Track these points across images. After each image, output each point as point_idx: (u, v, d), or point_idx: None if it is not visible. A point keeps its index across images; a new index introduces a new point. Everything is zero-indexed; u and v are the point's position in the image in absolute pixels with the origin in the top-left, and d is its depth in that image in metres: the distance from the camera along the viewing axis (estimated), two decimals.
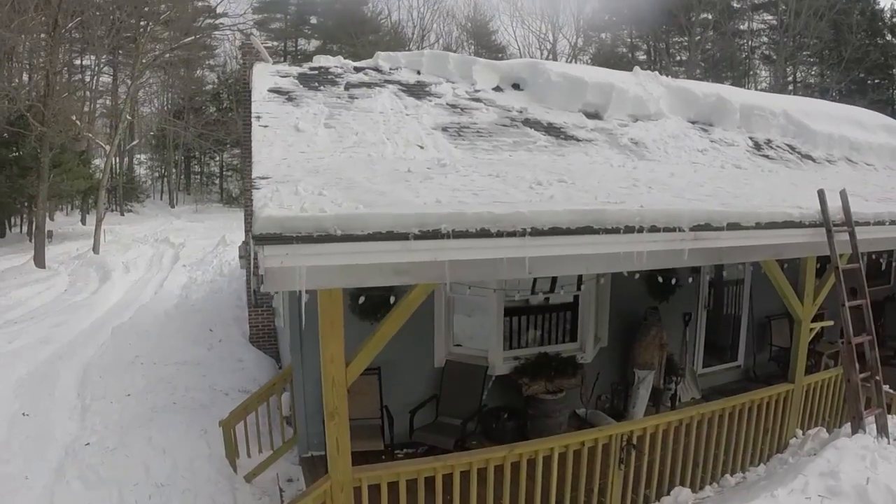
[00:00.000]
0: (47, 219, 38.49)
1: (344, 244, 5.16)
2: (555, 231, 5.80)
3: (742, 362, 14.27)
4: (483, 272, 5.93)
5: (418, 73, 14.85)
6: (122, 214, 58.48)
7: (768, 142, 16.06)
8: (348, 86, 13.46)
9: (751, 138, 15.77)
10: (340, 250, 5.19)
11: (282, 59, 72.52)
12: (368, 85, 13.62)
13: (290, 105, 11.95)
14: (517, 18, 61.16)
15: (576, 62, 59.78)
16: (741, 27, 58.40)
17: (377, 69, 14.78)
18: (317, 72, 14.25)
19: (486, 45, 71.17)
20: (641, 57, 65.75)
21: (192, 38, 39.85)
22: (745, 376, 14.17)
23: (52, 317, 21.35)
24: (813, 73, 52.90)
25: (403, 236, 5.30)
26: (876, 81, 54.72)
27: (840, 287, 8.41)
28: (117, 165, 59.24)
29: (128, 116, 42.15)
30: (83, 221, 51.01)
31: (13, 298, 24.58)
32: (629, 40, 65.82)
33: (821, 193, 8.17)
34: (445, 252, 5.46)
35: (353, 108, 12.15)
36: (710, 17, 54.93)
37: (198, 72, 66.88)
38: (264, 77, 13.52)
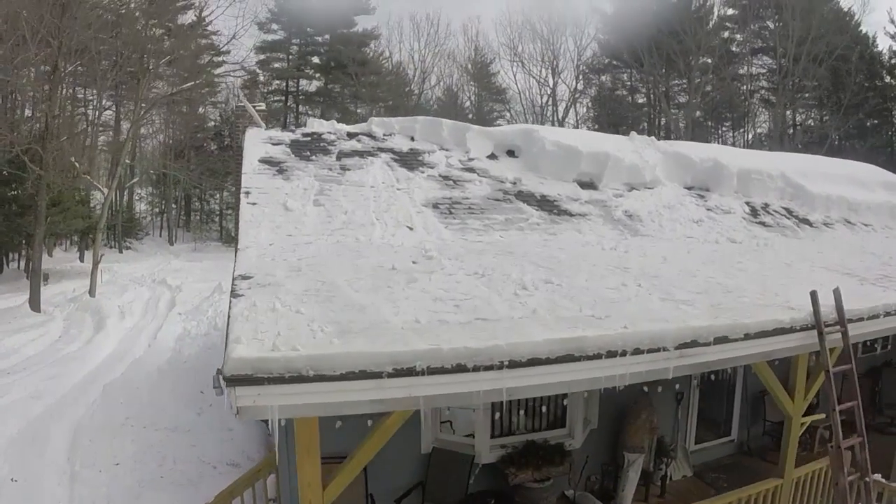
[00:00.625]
0: (45, 255, 38.41)
1: (316, 384, 5.04)
2: (534, 362, 5.66)
3: (735, 437, 14.04)
4: (459, 401, 5.80)
5: (412, 139, 14.81)
6: (121, 252, 58.37)
7: (765, 206, 15.96)
8: (340, 155, 13.40)
9: (748, 203, 15.69)
10: (313, 390, 5.06)
11: (283, 98, 73.03)
12: (361, 154, 13.56)
13: (281, 178, 11.89)
14: (517, 63, 60.64)
15: (575, 107, 59.95)
16: (740, 71, 58.50)
17: (370, 135, 14.72)
18: (309, 138, 14.20)
19: (486, 86, 71.44)
20: (641, 99, 65.96)
21: (194, 83, 39.60)
22: (739, 450, 13.92)
23: (45, 368, 21.16)
24: (812, 115, 52.78)
25: (377, 375, 5.16)
26: (875, 123, 54.70)
27: (830, 390, 8.25)
28: (116, 202, 59.17)
29: (127, 161, 42.10)
30: (81, 259, 50.86)
31: (6, 346, 24.37)
32: (629, 83, 65.98)
33: (813, 295, 8.01)
34: (420, 388, 5.33)
35: (345, 181, 12.09)
36: (709, 61, 55.08)
37: (200, 109, 67.17)
38: (256, 144, 13.45)
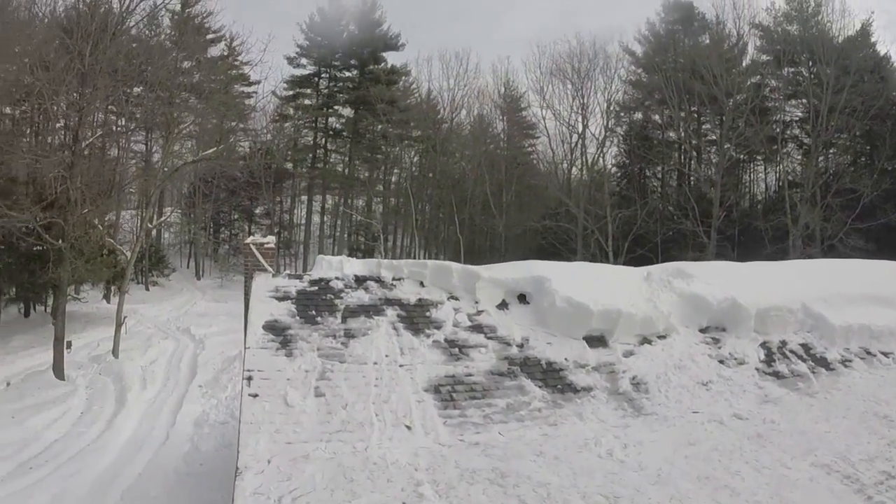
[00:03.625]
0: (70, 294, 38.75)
1: None
2: None
3: None
4: None
5: (421, 284, 14.71)
6: (147, 289, 58.78)
7: (782, 346, 15.68)
8: (346, 314, 13.35)
9: (764, 344, 15.42)
10: None
11: (311, 134, 73.31)
12: (367, 311, 13.50)
13: (283, 355, 11.87)
14: (546, 108, 60.55)
15: (602, 149, 59.58)
16: (774, 118, 58.02)
17: (379, 280, 14.64)
18: (317, 288, 14.10)
19: (517, 121, 71.43)
20: (671, 136, 65.56)
21: (219, 147, 39.93)
22: None
23: (66, 464, 21.35)
24: (848, 171, 51.77)
25: None
26: None
27: None
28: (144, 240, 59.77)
29: (150, 224, 42.46)
30: (107, 300, 51.19)
31: (30, 429, 24.60)
32: (660, 121, 65.65)
33: None
34: None
35: (348, 356, 12.04)
36: (741, 98, 54.57)
37: (230, 139, 67.66)
38: (262, 300, 13.42)
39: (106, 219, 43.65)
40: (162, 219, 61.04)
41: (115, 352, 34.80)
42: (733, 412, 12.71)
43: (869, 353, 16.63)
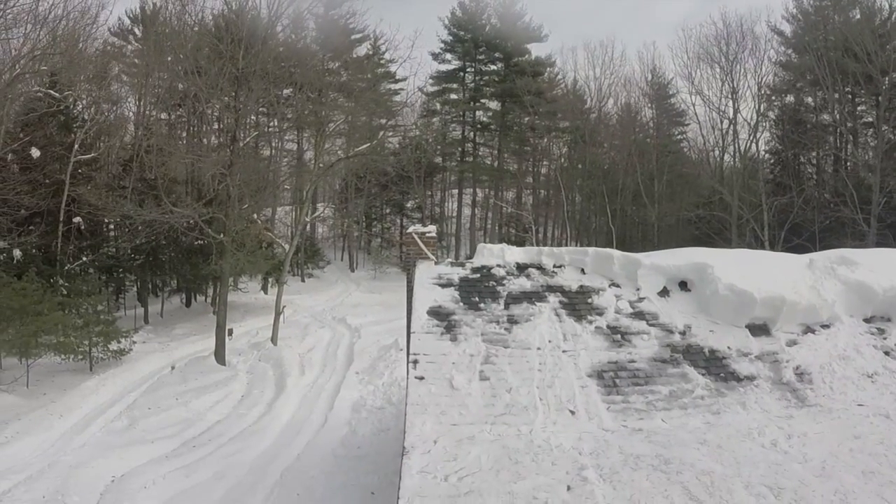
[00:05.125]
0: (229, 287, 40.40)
1: None
2: None
3: None
4: None
5: (582, 271, 14.76)
6: (303, 280, 60.58)
7: None
8: (509, 300, 13.54)
9: None
10: None
11: (459, 128, 73.89)
12: (530, 297, 13.65)
13: (448, 340, 12.14)
14: (695, 94, 59.13)
15: (756, 134, 57.69)
16: None
17: (540, 267, 14.78)
18: (479, 275, 14.34)
19: (665, 109, 70.05)
20: (826, 118, 63.13)
21: (370, 144, 40.81)
22: None
23: (228, 444, 22.28)
24: None
25: None
26: None
27: None
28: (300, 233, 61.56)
29: (305, 218, 43.77)
30: (265, 291, 52.98)
31: (195, 409, 25.83)
32: (813, 104, 63.24)
33: None
34: None
35: (511, 341, 12.23)
36: None
37: (380, 135, 68.96)
38: (425, 287, 13.74)
39: (262, 214, 45.32)
40: (316, 214, 62.75)
41: (273, 339, 36.08)
42: None
43: None
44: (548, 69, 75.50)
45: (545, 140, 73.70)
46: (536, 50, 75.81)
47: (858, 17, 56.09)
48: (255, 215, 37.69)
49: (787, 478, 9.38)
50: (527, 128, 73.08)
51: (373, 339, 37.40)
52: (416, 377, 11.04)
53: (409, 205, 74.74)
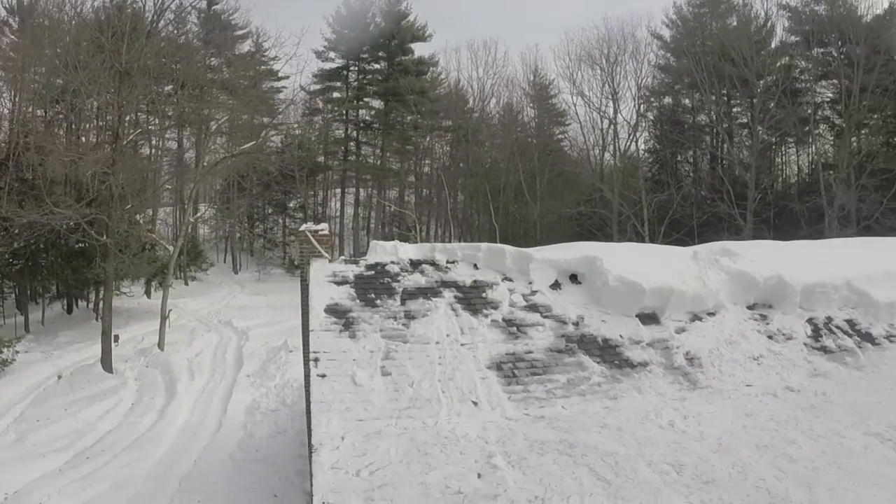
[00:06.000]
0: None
1: None
2: None
3: None
4: None
5: (475, 266, 15.00)
6: (187, 283, 59.47)
7: (828, 321, 15.95)
8: (405, 296, 13.65)
9: (810, 320, 15.70)
10: None
11: (342, 127, 73.68)
12: (425, 293, 13.79)
13: (347, 337, 12.17)
14: (576, 94, 60.73)
15: (636, 131, 59.64)
16: (804, 99, 57.78)
17: (434, 263, 14.93)
18: (373, 272, 14.40)
19: (546, 109, 71.38)
20: (702, 119, 65.49)
21: (254, 143, 40.45)
22: None
23: (123, 454, 21.80)
24: (881, 152, 51.72)
25: None
26: None
27: None
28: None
29: (190, 219, 43.08)
30: (148, 295, 51.82)
31: (84, 420, 25.12)
32: (690, 105, 65.60)
33: None
34: None
35: (410, 336, 12.33)
36: (771, 79, 54.43)
37: (262, 134, 68.13)
38: (321, 285, 13.72)
39: (145, 215, 44.35)
40: (199, 214, 61.65)
41: (160, 345, 35.39)
42: (785, 385, 13.01)
43: None
44: (431, 69, 75.89)
45: (428, 139, 74.15)
46: (420, 49, 76.11)
47: (735, 23, 58.57)
48: (138, 216, 36.81)
49: (686, 455, 9.81)
50: (410, 127, 73.35)
51: (261, 342, 37.02)
52: (318, 375, 11.04)
53: (291, 204, 74.12)
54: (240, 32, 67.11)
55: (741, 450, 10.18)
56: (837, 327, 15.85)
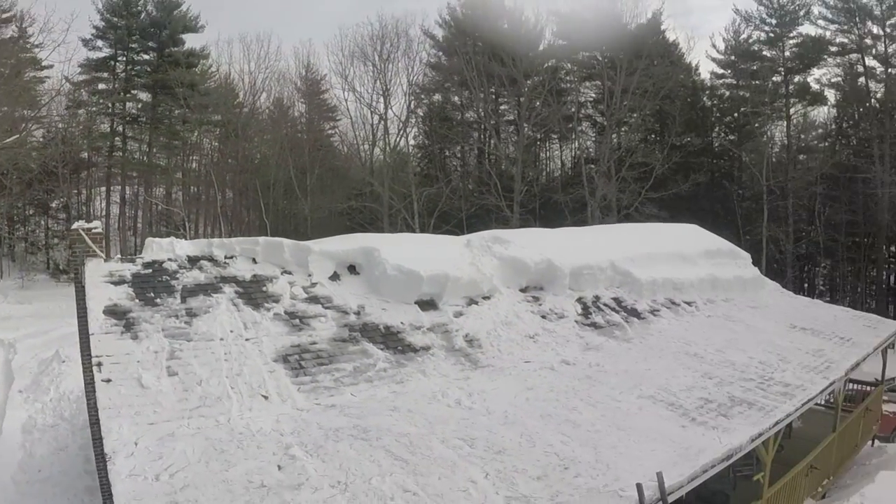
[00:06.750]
0: None
1: None
2: None
3: None
4: None
5: (254, 261, 14.94)
6: None
7: (596, 300, 17.28)
8: (185, 293, 13.40)
9: (580, 300, 16.93)
10: None
11: (108, 121, 70.79)
12: (205, 289, 13.62)
13: (129, 339, 11.82)
14: (348, 90, 61.03)
15: (406, 129, 60.88)
16: (569, 98, 60.95)
17: (212, 259, 14.73)
18: (151, 270, 14.01)
19: (317, 104, 71.26)
20: (470, 116, 67.50)
21: (18, 136, 38.31)
22: None
23: None
24: (640, 147, 55.87)
25: None
26: (700, 160, 58.74)
27: None
28: None
29: None
30: None
31: None
32: (459, 101, 67.45)
33: (639, 487, 8.86)
34: None
35: (194, 334, 12.17)
36: (538, 78, 56.93)
37: (22, 128, 64.32)
38: (97, 286, 13.21)
39: None
40: None
41: None
42: (561, 359, 14.01)
43: (673, 303, 18.57)
44: (202, 61, 73.88)
45: (196, 134, 72.29)
46: (193, 41, 73.92)
47: (506, 25, 60.72)
48: None
49: (476, 429, 10.44)
50: (178, 121, 71.28)
51: (31, 354, 34.90)
52: (102, 380, 10.69)
53: (54, 204, 70.38)
54: (5, 16, 62.75)
55: (527, 420, 10.94)
56: (605, 305, 17.17)
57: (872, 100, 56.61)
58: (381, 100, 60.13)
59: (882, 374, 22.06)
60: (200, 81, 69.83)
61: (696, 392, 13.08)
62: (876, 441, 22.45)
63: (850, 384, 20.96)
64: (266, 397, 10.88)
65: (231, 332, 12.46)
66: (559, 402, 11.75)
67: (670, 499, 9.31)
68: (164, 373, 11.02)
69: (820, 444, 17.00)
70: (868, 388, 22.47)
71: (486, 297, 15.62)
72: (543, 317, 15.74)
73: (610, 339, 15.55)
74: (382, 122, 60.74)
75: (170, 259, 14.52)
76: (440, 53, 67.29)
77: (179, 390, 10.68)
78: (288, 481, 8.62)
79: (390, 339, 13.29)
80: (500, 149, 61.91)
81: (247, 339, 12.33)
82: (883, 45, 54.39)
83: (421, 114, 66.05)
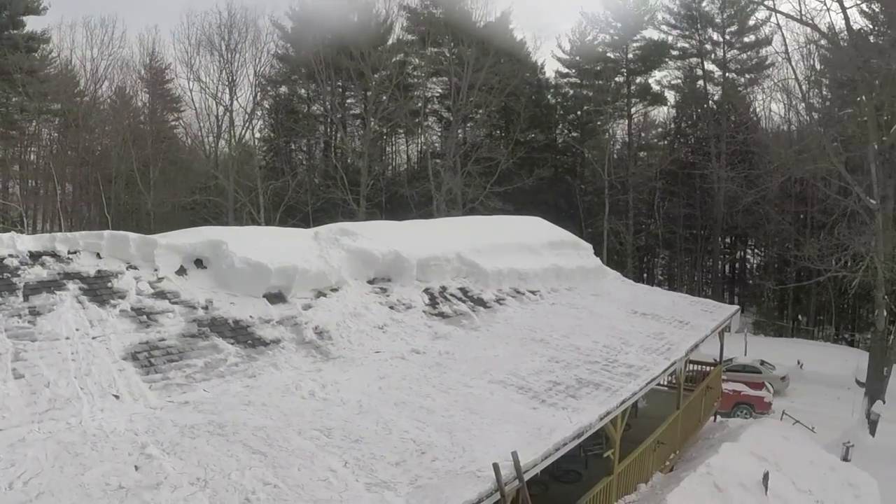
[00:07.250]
0: None
1: None
2: None
3: None
4: None
5: (98, 255, 14.49)
6: None
7: (443, 290, 17.72)
8: (27, 291, 12.89)
9: (427, 290, 17.34)
10: None
11: None
12: (48, 287, 13.13)
13: None
14: (193, 80, 59.51)
15: (252, 122, 60.14)
16: (416, 93, 61.62)
17: (54, 254, 14.19)
18: None
19: (161, 94, 69.39)
20: (317, 109, 67.20)
21: None
22: None
23: None
24: (485, 143, 57.19)
25: None
26: (544, 156, 60.44)
27: None
28: None
29: None
30: None
31: None
32: (306, 94, 67.01)
33: (496, 467, 9.24)
34: None
35: (38, 334, 11.69)
36: (386, 73, 57.21)
37: None
38: None
39: None
40: None
41: None
42: (411, 348, 14.41)
43: (518, 292, 19.26)
44: (42, 45, 70.58)
45: (35, 124, 69.23)
46: (33, 24, 70.19)
47: (356, 19, 60.73)
48: None
49: (332, 420, 10.65)
50: (16, 109, 67.98)
51: None
52: None
53: None
54: None
55: (382, 408, 11.25)
56: (452, 295, 17.67)
57: (710, 101, 60.26)
58: (227, 91, 59.24)
59: (720, 354, 23.58)
60: (40, 67, 66.44)
61: (544, 375, 13.69)
62: (718, 416, 23.97)
63: (691, 365, 22.18)
64: (117, 397, 10.71)
65: (77, 330, 12.11)
66: (412, 390, 12.07)
67: (526, 477, 9.79)
68: (9, 375, 10.59)
69: (665, 422, 18.03)
70: (708, 369, 23.87)
71: (334, 290, 15.80)
72: (392, 308, 16.06)
73: (458, 328, 16.04)
74: (228, 114, 59.81)
75: (10, 255, 13.87)
76: (288, 45, 66.76)
77: (27, 393, 10.31)
78: (146, 481, 8.56)
79: (240, 334, 13.30)
80: (346, 142, 62.09)
81: (94, 338, 12.03)
82: (722, 50, 58.85)
83: (267, 106, 65.38)
